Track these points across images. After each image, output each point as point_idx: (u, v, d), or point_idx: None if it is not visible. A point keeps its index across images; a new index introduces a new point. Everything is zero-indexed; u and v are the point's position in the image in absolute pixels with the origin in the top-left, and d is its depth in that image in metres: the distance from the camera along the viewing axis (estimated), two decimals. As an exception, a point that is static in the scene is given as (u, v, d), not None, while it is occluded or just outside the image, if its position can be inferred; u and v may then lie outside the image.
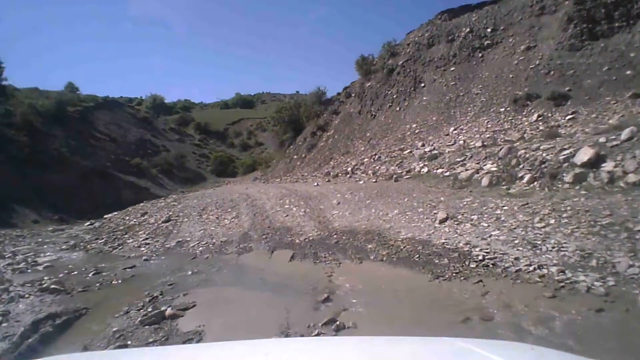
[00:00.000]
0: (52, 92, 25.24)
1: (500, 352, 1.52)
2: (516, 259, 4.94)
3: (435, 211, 7.26)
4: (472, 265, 5.02)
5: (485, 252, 5.28)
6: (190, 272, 6.60)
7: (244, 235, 8.47)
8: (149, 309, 4.98)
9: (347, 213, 8.47)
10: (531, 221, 5.82)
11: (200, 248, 8.26)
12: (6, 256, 9.24)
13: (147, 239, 10.09)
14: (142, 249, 9.18)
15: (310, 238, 7.50)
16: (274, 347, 1.89)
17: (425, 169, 10.65)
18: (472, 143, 11.58)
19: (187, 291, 5.59)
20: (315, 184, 12.55)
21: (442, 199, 7.98)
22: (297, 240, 7.52)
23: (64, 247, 10.35)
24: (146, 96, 53.16)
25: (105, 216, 15.17)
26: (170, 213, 12.34)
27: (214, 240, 8.53)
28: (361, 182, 11.38)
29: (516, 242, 5.38)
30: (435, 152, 11.68)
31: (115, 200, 24.38)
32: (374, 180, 11.33)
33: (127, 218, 13.71)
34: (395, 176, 10.92)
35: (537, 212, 6.06)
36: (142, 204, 15.48)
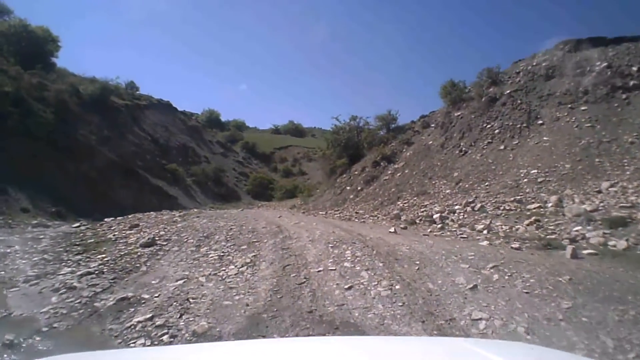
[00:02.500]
0: (102, 81, 22.78)
1: (500, 352, 1.42)
2: None
3: None
4: None
5: None
6: None
7: (253, 321, 3.60)
8: None
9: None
10: None
11: (150, 328, 3.49)
12: None
13: (95, 272, 5.54)
14: (62, 294, 4.57)
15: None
16: (274, 347, 1.79)
17: (612, 243, 5.35)
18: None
19: None
20: (391, 229, 7.51)
21: None
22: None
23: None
24: (203, 110, 51.85)
25: (106, 219, 11.13)
26: (162, 233, 7.85)
27: (185, 318, 3.71)
28: (484, 243, 6.23)
29: None
30: (614, 214, 6.38)
31: (135, 202, 20.69)
32: (508, 245, 6.14)
33: (114, 227, 9.51)
34: (546, 246, 5.70)
35: None
36: (141, 215, 11.23)
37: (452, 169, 12.34)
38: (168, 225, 8.70)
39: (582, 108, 12.40)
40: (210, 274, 5.04)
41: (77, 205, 16.43)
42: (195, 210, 14.39)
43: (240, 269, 5.09)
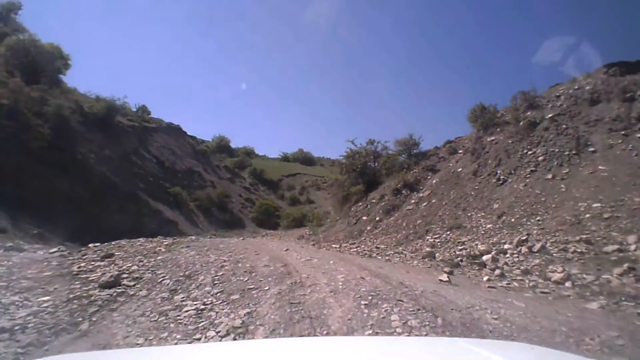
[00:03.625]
0: (109, 101, 21.64)
1: (500, 352, 1.43)
2: None
3: None
4: None
5: None
6: None
7: None
8: None
9: None
10: None
11: None
12: None
13: (16, 327, 3.64)
14: None
15: None
16: (274, 347, 1.75)
17: None
18: None
19: None
20: (442, 277, 5.49)
21: None
22: None
23: None
24: (214, 136, 51.05)
25: (90, 245, 9.38)
26: (135, 268, 5.97)
27: None
28: (593, 306, 4.20)
29: None
30: None
31: (131, 227, 18.89)
32: (624, 310, 4.11)
33: (87, 256, 7.71)
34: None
35: None
36: (125, 242, 9.38)
37: (490, 200, 10.38)
38: (147, 257, 6.82)
39: (638, 135, 10.60)
40: (176, 344, 3.11)
41: (65, 228, 14.65)
42: (190, 237, 12.52)
43: (224, 338, 3.15)
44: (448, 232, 9.61)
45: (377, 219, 12.19)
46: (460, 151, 13.42)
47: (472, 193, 10.95)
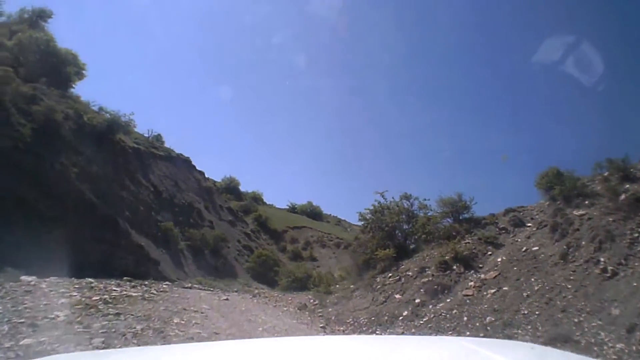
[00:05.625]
0: (113, 114, 19.23)
1: (500, 352, 1.36)
2: None
3: None
4: None
5: None
6: None
7: None
8: None
9: None
10: None
11: None
12: None
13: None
14: None
15: None
16: (274, 347, 1.69)
17: None
18: None
19: None
20: None
21: None
22: None
23: None
24: (224, 177, 48.60)
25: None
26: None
27: None
28: None
29: None
30: None
31: (102, 259, 15.29)
32: None
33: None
34: None
35: None
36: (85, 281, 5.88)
37: (601, 300, 6.78)
38: (84, 322, 3.34)
39: None
40: None
41: (11, 254, 11.13)
42: (163, 285, 9.01)
43: None
44: (548, 346, 5.90)
45: (418, 301, 8.49)
46: (529, 224, 10.06)
47: (569, 286, 7.35)
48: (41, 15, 21.71)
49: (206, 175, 37.40)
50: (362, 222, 12.79)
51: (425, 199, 12.35)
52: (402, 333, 7.42)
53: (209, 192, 32.69)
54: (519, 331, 6.51)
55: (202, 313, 6.02)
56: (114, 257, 15.85)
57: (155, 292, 9.88)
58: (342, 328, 8.43)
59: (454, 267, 9.15)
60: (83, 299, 5.61)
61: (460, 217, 11.42)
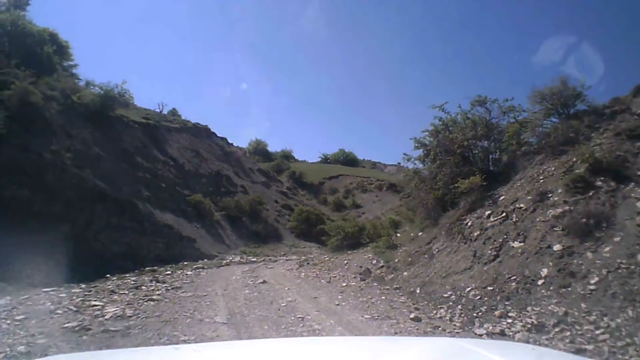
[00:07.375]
0: (106, 89, 16.34)
1: (500, 352, 1.34)
2: None
3: None
4: None
5: None
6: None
7: None
8: None
9: None
10: None
11: None
12: None
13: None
14: None
15: None
16: (274, 347, 1.69)
17: None
18: None
19: None
20: None
21: None
22: None
23: None
24: (250, 142, 45.87)
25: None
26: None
27: None
28: None
29: None
30: None
31: (128, 248, 13.29)
32: None
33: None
34: None
35: None
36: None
37: None
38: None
39: None
40: None
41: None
42: (197, 265, 6.31)
43: None
44: None
45: (557, 248, 5.13)
46: None
47: None
48: (17, 4, 18.55)
49: (229, 141, 34.62)
50: (421, 150, 9.26)
51: (507, 99, 8.46)
52: (536, 310, 4.21)
53: (235, 156, 30.16)
54: None
55: (213, 331, 3.28)
56: (140, 242, 13.78)
57: (161, 286, 7.32)
58: (442, 312, 5.39)
59: (597, 182, 5.62)
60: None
61: (571, 112, 7.56)
